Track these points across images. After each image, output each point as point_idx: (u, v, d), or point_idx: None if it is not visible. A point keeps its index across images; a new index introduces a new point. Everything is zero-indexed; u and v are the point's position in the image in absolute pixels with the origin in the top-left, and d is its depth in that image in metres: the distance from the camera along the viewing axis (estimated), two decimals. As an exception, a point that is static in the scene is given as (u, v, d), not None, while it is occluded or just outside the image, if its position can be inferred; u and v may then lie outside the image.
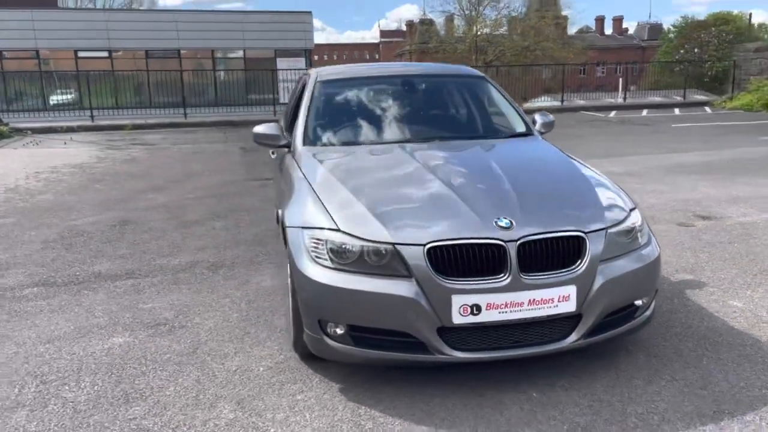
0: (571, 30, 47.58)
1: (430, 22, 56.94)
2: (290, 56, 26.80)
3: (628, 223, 2.88)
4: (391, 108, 4.26)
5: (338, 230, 2.72)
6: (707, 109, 18.57)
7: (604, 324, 2.76)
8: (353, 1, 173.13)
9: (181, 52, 25.69)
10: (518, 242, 2.59)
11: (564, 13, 46.52)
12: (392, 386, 2.81)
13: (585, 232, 2.70)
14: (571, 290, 2.61)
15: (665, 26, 66.29)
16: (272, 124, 4.11)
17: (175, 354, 3.26)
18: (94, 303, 4.04)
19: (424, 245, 2.58)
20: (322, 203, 2.94)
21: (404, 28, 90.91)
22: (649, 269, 2.87)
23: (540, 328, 2.66)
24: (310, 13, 28.01)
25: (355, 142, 3.90)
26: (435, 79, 4.60)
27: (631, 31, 69.89)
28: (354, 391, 2.79)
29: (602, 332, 2.77)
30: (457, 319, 2.54)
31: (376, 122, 4.13)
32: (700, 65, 25.56)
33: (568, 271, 2.63)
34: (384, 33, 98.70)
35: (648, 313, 2.95)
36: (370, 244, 2.62)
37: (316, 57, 56.19)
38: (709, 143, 11.10)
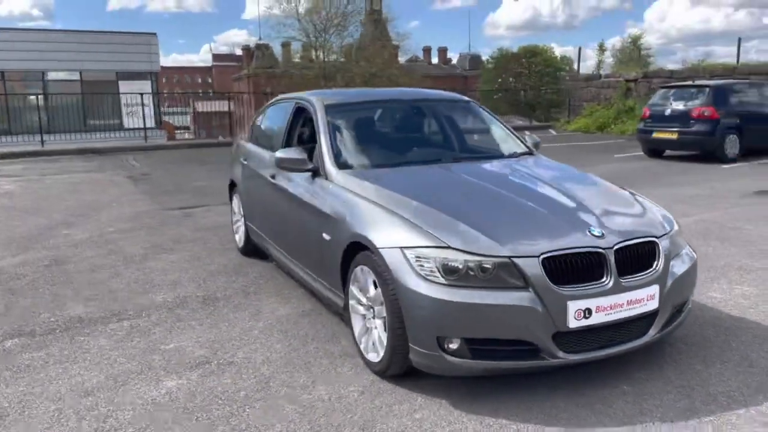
0: (402, 59, 49.57)
1: (266, 47, 56.97)
2: (134, 79, 25.36)
3: (676, 228, 3.30)
4: (406, 130, 4.38)
5: (449, 247, 2.80)
6: (552, 131, 20.69)
7: (669, 319, 3.12)
8: (177, 24, 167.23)
9: (5, 73, 23.14)
10: (614, 249, 2.88)
11: (395, 43, 48.54)
12: (496, 396, 2.92)
13: (657, 237, 3.05)
14: (656, 289, 2.94)
15: (483, 57, 72.55)
16: (295, 148, 4.04)
17: (250, 390, 3.09)
18: (102, 349, 3.66)
19: (539, 256, 2.76)
20: (412, 222, 3.00)
21: (237, 52, 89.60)
22: (694, 268, 3.30)
23: (629, 325, 2.95)
24: (154, 34, 26.73)
25: (390, 164, 3.96)
26: (433, 102, 4.79)
27: (453, 61, 75.25)
28: (466, 404, 2.86)
29: (669, 326, 3.13)
30: (572, 323, 2.75)
31: (399, 144, 4.23)
32: (516, 93, 27.72)
33: (651, 272, 2.96)
34: (217, 57, 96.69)
35: (690, 306, 3.38)
36: (485, 258, 2.74)
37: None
38: (574, 162, 12.40)
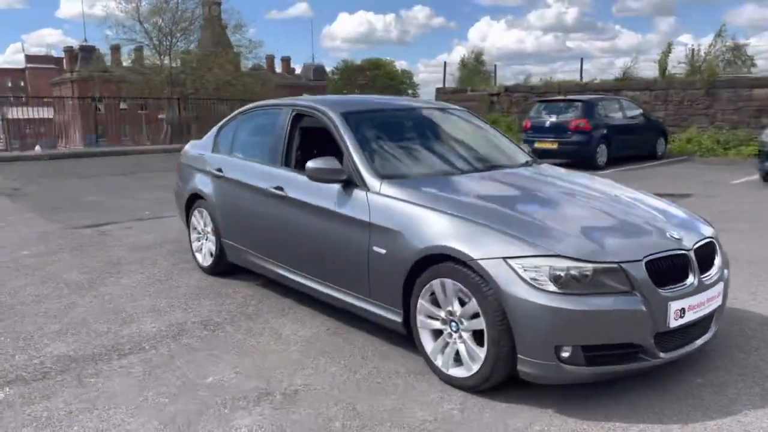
0: (244, 68, 48.08)
1: (92, 49, 52.99)
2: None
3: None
4: (428, 139, 4.32)
5: (558, 255, 2.83)
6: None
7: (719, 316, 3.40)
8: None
9: None
10: (692, 250, 3.09)
11: (238, 50, 47.09)
12: (596, 400, 2.96)
13: (714, 238, 3.33)
14: (722, 287, 3.21)
15: (327, 68, 73.55)
16: (328, 158, 3.80)
17: (344, 419, 2.87)
18: (130, 390, 3.19)
19: (642, 260, 2.88)
20: (507, 232, 2.98)
21: (53, 53, 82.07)
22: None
23: (702, 322, 3.16)
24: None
25: (432, 173, 3.88)
26: (439, 111, 4.77)
27: (297, 71, 75.28)
28: (575, 410, 2.88)
29: (719, 323, 3.41)
30: (672, 323, 2.91)
31: (428, 152, 4.15)
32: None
33: (717, 270, 3.22)
34: (30, 58, 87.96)
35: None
36: (595, 264, 2.81)
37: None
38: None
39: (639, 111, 14.61)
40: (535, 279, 2.80)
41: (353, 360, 3.52)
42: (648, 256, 2.91)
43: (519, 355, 2.85)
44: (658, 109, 16.51)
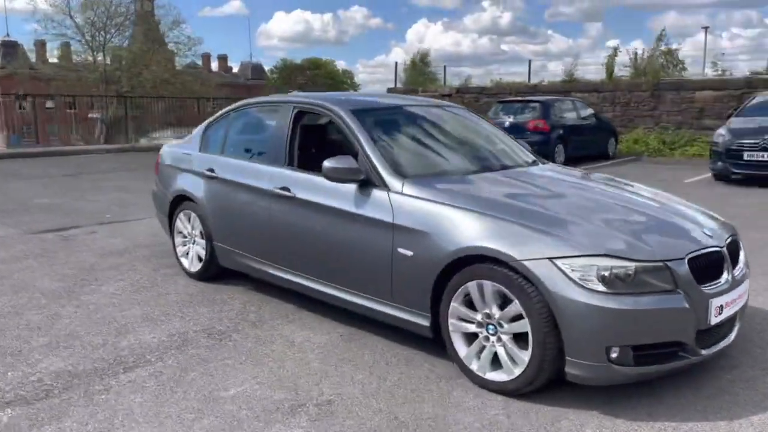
0: (179, 66, 46.36)
1: (14, 45, 50.49)
2: None
3: None
4: (439, 137, 4.22)
5: (606, 255, 2.80)
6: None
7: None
8: None
9: None
10: (725, 247, 3.13)
11: (172, 48, 45.48)
12: (638, 399, 2.95)
13: (737, 235, 3.38)
14: (747, 284, 3.26)
15: (266, 67, 72.41)
16: (344, 157, 3.66)
17: (391, 429, 2.75)
18: (147, 406, 2.97)
19: (684, 258, 2.89)
20: (550, 231, 2.93)
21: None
22: None
23: (731, 319, 3.20)
24: None
25: (451, 172, 3.79)
26: (442, 110, 4.68)
27: (235, 70, 73.80)
28: (620, 411, 2.85)
29: (742, 319, 3.46)
30: (713, 320, 2.93)
31: (442, 151, 4.07)
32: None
33: (743, 266, 3.27)
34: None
35: None
36: (643, 263, 2.80)
37: None
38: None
39: (591, 111, 15.02)
40: (583, 279, 2.76)
41: (378, 367, 3.40)
42: (690, 253, 2.92)
43: (567, 357, 2.80)
44: (606, 111, 17.02)
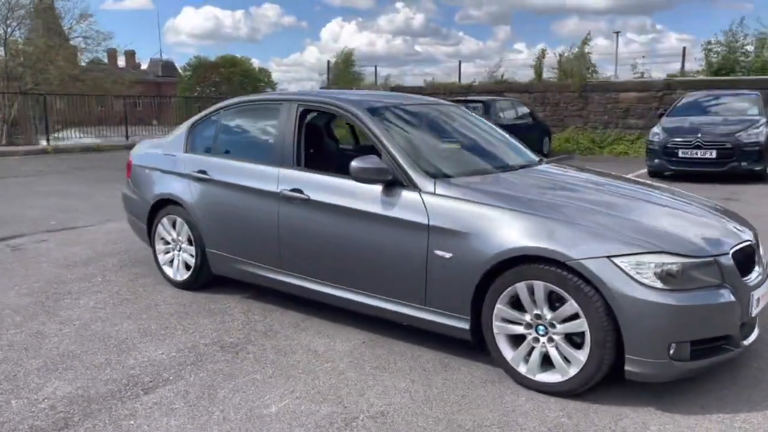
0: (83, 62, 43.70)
1: None
2: None
3: None
4: (454, 136, 4.15)
5: (663, 252, 2.82)
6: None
7: None
8: None
9: None
10: (754, 241, 3.24)
11: (77, 42, 42.94)
12: (682, 394, 3.02)
13: (756, 231, 3.52)
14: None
15: (177, 64, 69.80)
16: (370, 157, 3.52)
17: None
18: (184, 430, 2.74)
19: (729, 252, 2.96)
20: (600, 230, 2.93)
21: None
22: None
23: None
24: None
25: (478, 171, 3.73)
26: (448, 109, 4.60)
27: (143, 67, 70.85)
28: (674, 406, 2.89)
29: None
30: (754, 312, 3.03)
31: (458, 150, 4.00)
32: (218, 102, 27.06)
33: (764, 260, 3.41)
34: None
35: None
36: (697, 259, 2.84)
37: None
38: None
39: (528, 111, 15.46)
40: (642, 276, 2.77)
41: (417, 374, 3.29)
42: (735, 247, 3.00)
43: (627, 356, 2.81)
44: (537, 111, 17.57)
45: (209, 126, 4.67)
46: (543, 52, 19.00)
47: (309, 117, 4.09)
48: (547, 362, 3.04)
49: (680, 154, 10.65)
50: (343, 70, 36.56)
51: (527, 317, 3.06)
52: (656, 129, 11.38)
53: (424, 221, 3.30)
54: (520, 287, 3.03)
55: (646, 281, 2.77)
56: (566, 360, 2.96)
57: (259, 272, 4.18)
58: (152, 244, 4.90)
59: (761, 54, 15.98)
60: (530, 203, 3.20)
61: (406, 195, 3.42)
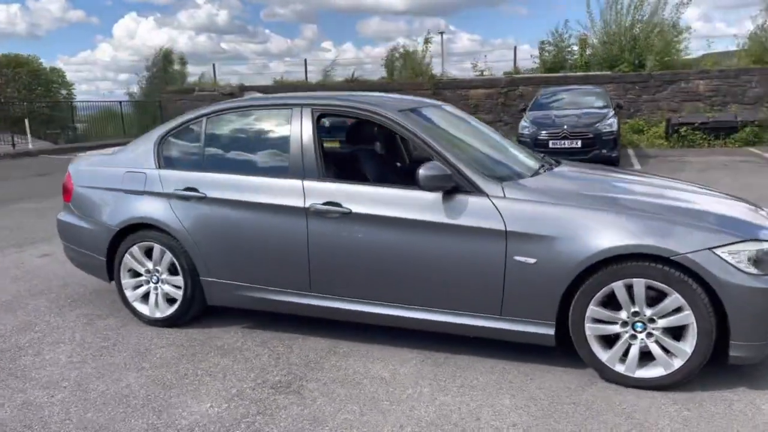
0: None
1: None
2: None
3: None
4: (476, 138, 4.00)
5: (754, 239, 2.97)
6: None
7: None
8: None
9: None
10: None
11: None
12: (748, 381, 3.24)
13: None
14: None
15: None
16: (434, 163, 3.26)
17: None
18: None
19: None
20: (692, 223, 3.01)
21: None
22: None
23: None
24: None
25: (522, 174, 3.60)
26: (453, 110, 4.41)
27: None
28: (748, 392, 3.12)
29: None
30: None
31: (497, 154, 3.86)
32: (4, 106, 23.07)
33: None
34: None
35: None
36: None
37: None
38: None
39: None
40: (740, 264, 2.90)
41: (508, 387, 3.16)
42: None
43: (732, 341, 2.93)
44: (394, 108, 17.92)
45: (189, 137, 4.05)
46: (392, 51, 19.45)
47: (327, 123, 3.72)
48: (643, 358, 3.07)
49: (551, 145, 11.51)
50: (163, 69, 34.33)
51: (623, 315, 3.07)
52: (525, 122, 12.19)
53: (500, 227, 3.17)
54: (618, 286, 3.02)
55: (744, 268, 2.90)
56: (670, 354, 3.01)
57: (278, 298, 3.73)
58: (117, 279, 4.15)
59: (584, 53, 17.85)
60: (611, 202, 3.21)
61: (474, 201, 3.26)
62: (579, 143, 11.39)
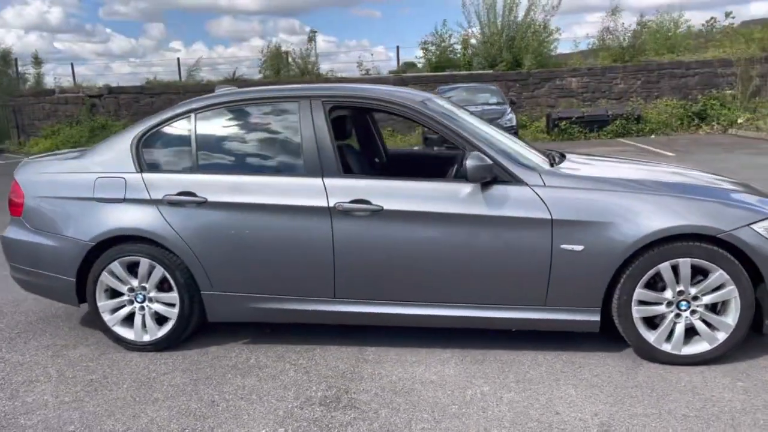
0: None
1: None
2: None
3: None
4: (486, 128, 3.89)
5: None
6: (8, 153, 17.37)
7: None
8: None
9: None
10: None
11: None
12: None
13: None
14: None
15: None
16: (477, 154, 3.12)
17: (696, 420, 2.64)
18: None
19: None
20: (726, 201, 3.15)
21: None
22: None
23: None
24: None
25: (548, 161, 3.57)
26: (444, 100, 4.25)
27: None
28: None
29: None
30: None
31: (508, 141, 3.77)
32: None
33: None
34: None
35: None
36: None
37: None
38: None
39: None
40: None
41: (563, 378, 3.11)
42: None
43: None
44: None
45: (175, 135, 3.59)
46: (278, 48, 18.93)
47: (340, 115, 3.48)
48: (686, 335, 3.17)
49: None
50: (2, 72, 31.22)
51: (668, 295, 3.14)
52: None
53: (546, 216, 3.13)
54: (664, 267, 3.09)
55: None
56: (713, 328, 3.13)
57: (298, 307, 3.43)
58: (91, 302, 3.59)
59: (466, 52, 18.51)
60: (648, 185, 3.27)
61: (515, 191, 3.19)
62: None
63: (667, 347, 3.17)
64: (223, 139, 3.58)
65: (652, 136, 15.35)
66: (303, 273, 3.37)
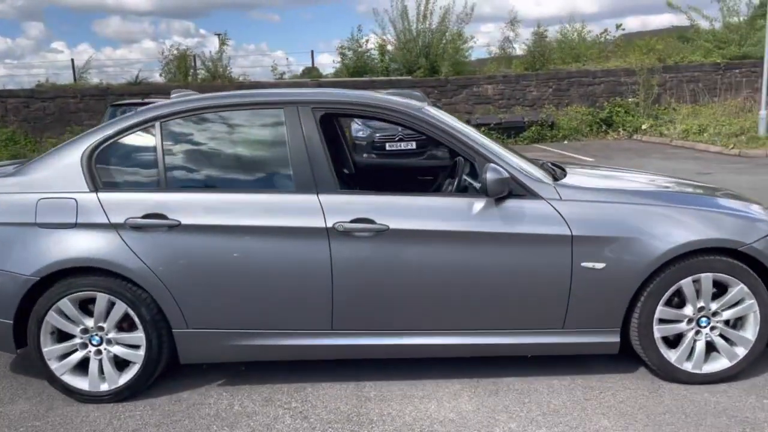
0: None
1: None
2: None
3: None
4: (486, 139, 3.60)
5: None
6: None
7: None
8: None
9: None
10: None
11: None
12: None
13: None
14: None
15: None
16: (494, 166, 2.83)
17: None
18: None
19: None
20: (739, 214, 3.08)
21: None
22: None
23: None
24: None
25: (551, 175, 3.33)
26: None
27: None
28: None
29: None
30: None
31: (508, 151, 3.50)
32: None
33: None
34: None
35: None
36: None
37: None
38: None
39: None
40: None
41: (588, 405, 2.90)
42: None
43: (786, 323, 3.04)
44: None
45: (136, 147, 3.06)
46: (184, 51, 17.91)
47: (332, 125, 3.10)
48: (706, 352, 3.04)
49: (387, 147, 11.57)
50: None
51: (688, 312, 3.01)
52: (358, 125, 12.07)
53: (566, 232, 2.91)
54: (686, 283, 2.95)
55: None
56: (733, 344, 3.03)
57: (288, 342, 3.01)
58: (34, 347, 2.99)
59: (383, 58, 18.32)
60: (664, 197, 3.14)
61: (532, 206, 2.94)
62: (414, 145, 11.61)
63: (688, 366, 3.04)
64: (197, 151, 3.09)
65: (566, 142, 15.83)
66: (295, 304, 2.96)
